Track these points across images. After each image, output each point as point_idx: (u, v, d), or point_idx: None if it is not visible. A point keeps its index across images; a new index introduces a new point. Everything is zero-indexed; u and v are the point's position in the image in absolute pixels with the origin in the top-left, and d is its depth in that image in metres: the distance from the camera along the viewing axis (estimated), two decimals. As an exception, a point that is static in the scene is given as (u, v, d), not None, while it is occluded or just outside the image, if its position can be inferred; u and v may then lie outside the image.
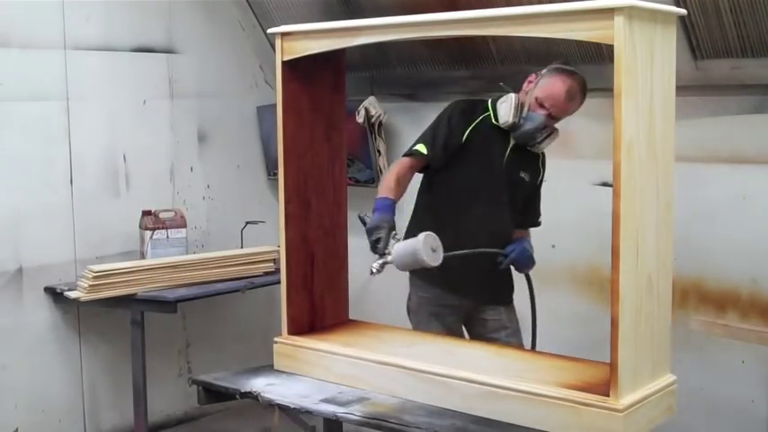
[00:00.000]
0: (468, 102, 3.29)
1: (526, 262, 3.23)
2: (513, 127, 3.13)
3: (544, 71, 3.12)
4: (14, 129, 3.94)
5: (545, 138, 3.16)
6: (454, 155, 3.15)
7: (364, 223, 2.91)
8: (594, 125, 3.77)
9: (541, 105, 3.09)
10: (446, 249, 2.83)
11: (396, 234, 2.89)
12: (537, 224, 3.40)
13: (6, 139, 3.91)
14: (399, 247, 2.80)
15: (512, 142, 3.20)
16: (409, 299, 3.37)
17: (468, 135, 3.16)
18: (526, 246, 3.23)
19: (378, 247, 2.84)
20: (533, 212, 3.38)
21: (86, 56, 4.18)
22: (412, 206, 3.37)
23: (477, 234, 3.16)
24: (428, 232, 2.79)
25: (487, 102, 3.24)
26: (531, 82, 3.15)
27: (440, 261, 2.78)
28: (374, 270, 2.82)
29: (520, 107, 3.11)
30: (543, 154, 3.31)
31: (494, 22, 2.26)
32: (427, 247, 2.74)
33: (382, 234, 2.85)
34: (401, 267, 2.85)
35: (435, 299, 3.28)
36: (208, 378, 2.80)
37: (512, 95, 3.14)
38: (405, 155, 3.19)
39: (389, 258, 2.81)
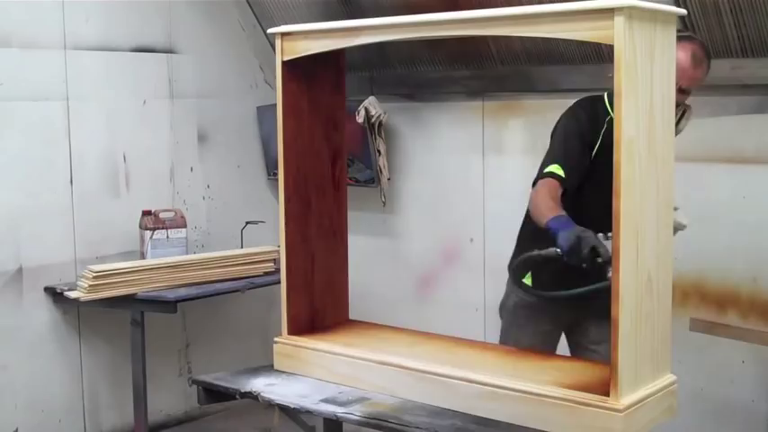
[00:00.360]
0: (588, 103, 2.93)
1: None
2: None
3: None
4: (14, 129, 3.94)
5: (680, 117, 2.80)
6: (589, 170, 2.83)
7: (548, 258, 2.52)
8: (594, 125, 3.78)
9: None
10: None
11: (605, 234, 2.45)
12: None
13: (6, 139, 3.91)
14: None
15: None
16: (507, 297, 3.18)
17: (597, 150, 2.82)
18: None
19: (601, 252, 2.39)
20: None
21: (86, 56, 4.18)
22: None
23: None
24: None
25: (604, 98, 2.87)
26: None
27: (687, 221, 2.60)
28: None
29: None
30: None
31: (494, 22, 2.25)
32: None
33: (591, 239, 2.41)
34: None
35: (537, 305, 3.06)
36: (208, 378, 2.80)
37: None
38: (543, 177, 2.80)
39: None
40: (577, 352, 3.11)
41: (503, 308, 3.23)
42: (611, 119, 2.68)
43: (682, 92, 2.74)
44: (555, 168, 2.80)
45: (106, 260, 4.09)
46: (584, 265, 2.42)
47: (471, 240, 4.37)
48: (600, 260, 2.38)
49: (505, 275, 3.18)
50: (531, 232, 2.88)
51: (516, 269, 3.04)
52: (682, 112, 2.82)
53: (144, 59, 4.42)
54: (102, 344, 4.25)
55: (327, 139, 2.89)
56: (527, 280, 3.10)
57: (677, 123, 2.76)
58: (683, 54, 2.68)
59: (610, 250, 2.26)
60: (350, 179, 3.92)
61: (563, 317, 3.11)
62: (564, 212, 2.60)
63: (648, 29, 2.10)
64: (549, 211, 2.63)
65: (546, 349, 3.06)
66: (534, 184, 2.85)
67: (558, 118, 3.00)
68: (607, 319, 2.85)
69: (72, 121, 4.13)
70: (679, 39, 2.68)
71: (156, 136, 4.49)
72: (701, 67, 2.79)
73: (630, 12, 2.01)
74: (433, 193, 4.52)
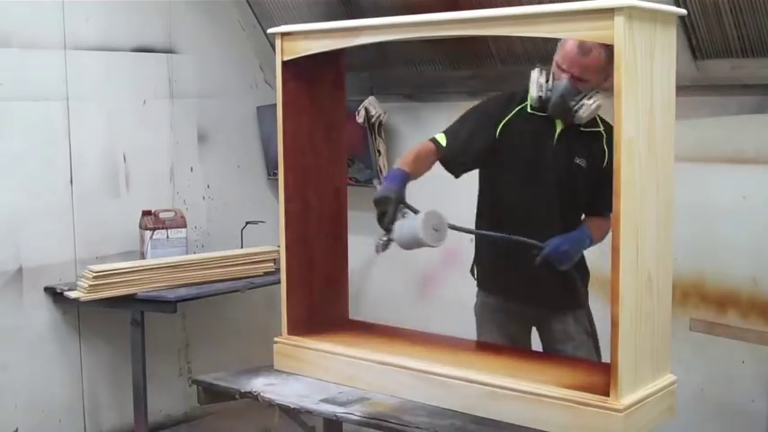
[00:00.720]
0: (504, 93, 3.05)
1: (560, 257, 2.80)
2: (545, 103, 2.85)
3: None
4: (14, 129, 3.94)
5: (580, 104, 2.82)
6: (493, 152, 2.93)
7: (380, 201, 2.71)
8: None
9: (561, 70, 2.82)
10: (495, 253, 2.67)
11: (404, 209, 2.67)
12: (603, 213, 2.84)
13: (6, 139, 3.91)
14: (400, 225, 2.61)
15: (558, 128, 2.91)
16: (475, 302, 3.18)
17: (501, 130, 2.92)
18: (569, 238, 2.83)
19: (383, 221, 2.64)
20: (599, 199, 2.86)
21: (86, 56, 4.18)
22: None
23: (522, 234, 2.85)
24: (432, 210, 2.60)
25: (527, 91, 2.94)
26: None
27: (442, 242, 2.60)
28: (379, 247, 2.66)
29: (545, 82, 2.85)
30: (609, 133, 2.85)
31: (494, 22, 2.26)
32: (428, 227, 2.55)
33: (389, 208, 2.64)
34: (403, 246, 2.64)
35: (497, 305, 3.09)
36: (208, 378, 2.80)
37: (533, 71, 2.88)
38: (430, 139, 2.98)
39: (392, 236, 2.62)
40: (547, 352, 3.08)
41: (475, 313, 3.20)
42: (524, 107, 2.92)
43: (577, 80, 2.80)
44: (438, 137, 2.95)
45: (106, 260, 4.09)
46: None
47: (471, 240, 4.37)
48: (385, 227, 2.63)
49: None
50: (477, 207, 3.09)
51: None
52: (582, 97, 2.82)
53: (144, 59, 4.41)
54: (102, 344, 4.25)
55: (327, 139, 2.89)
56: (474, 273, 3.16)
57: (577, 111, 2.83)
58: (570, 43, 2.77)
59: (396, 227, 2.59)
60: (350, 179, 3.92)
61: (526, 315, 3.09)
62: (407, 170, 2.77)
63: (648, 29, 2.11)
64: (400, 163, 2.83)
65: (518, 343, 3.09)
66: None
67: None
68: (570, 313, 3.03)
69: (72, 121, 4.13)
70: None
71: (156, 136, 4.49)
72: (590, 55, 2.76)
73: (630, 12, 2.01)
74: (433, 193, 4.51)
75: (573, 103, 2.82)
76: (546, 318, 3.06)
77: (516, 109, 2.95)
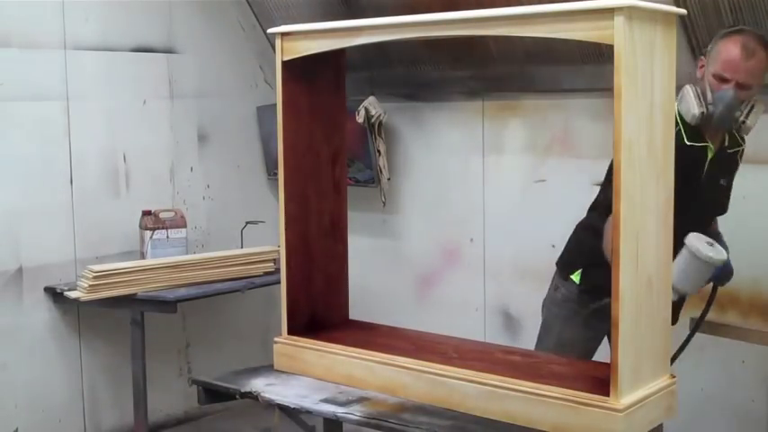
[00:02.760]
0: None
1: (728, 274, 2.86)
2: (706, 119, 2.70)
3: (709, 45, 2.75)
4: (14, 129, 3.94)
5: (748, 112, 2.71)
6: None
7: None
8: (594, 125, 3.78)
9: (723, 80, 2.69)
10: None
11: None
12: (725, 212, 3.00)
13: (6, 139, 3.91)
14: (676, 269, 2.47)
15: (709, 155, 2.80)
16: (555, 290, 3.15)
17: None
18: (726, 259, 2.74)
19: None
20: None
21: (86, 56, 4.18)
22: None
23: None
24: (694, 233, 2.55)
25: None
26: (702, 66, 2.78)
27: (725, 254, 2.55)
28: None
29: (702, 95, 2.71)
30: (742, 148, 2.92)
31: (494, 22, 2.25)
32: (702, 243, 2.49)
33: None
34: (692, 288, 2.60)
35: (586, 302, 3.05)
36: (208, 378, 2.80)
37: (686, 87, 2.72)
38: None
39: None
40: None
41: (549, 300, 3.14)
42: (679, 134, 2.66)
43: (741, 87, 2.70)
44: None
45: (106, 260, 4.09)
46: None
47: (471, 240, 4.37)
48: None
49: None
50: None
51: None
52: (750, 107, 2.73)
53: (144, 59, 4.42)
54: (102, 344, 4.25)
55: (327, 139, 2.88)
56: (575, 277, 3.06)
57: (746, 120, 2.73)
58: (733, 48, 2.67)
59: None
60: (350, 179, 3.92)
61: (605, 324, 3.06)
62: None
63: (648, 29, 2.10)
64: None
65: (588, 348, 3.03)
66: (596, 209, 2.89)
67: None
68: None
69: (72, 120, 4.13)
70: (727, 34, 2.70)
71: (156, 136, 4.49)
72: (756, 57, 2.68)
73: (630, 12, 2.01)
74: (433, 194, 4.52)
75: (739, 112, 2.70)
76: None
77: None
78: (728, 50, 2.69)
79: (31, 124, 4.00)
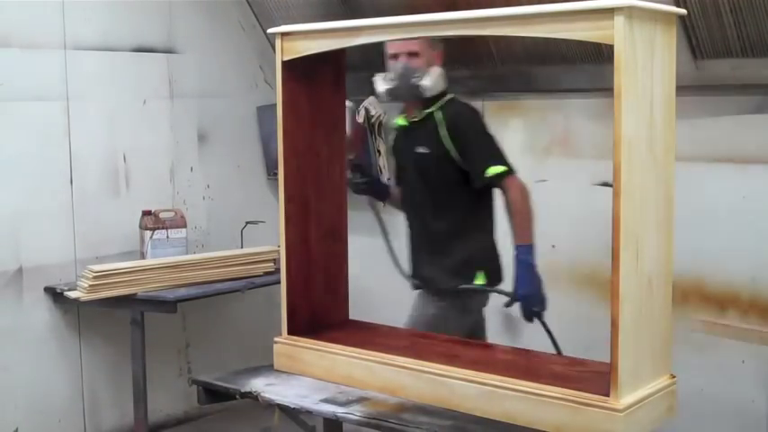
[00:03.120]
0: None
1: (529, 302, 2.97)
2: (393, 92, 3.17)
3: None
4: (14, 129, 3.94)
5: (421, 76, 3.12)
6: None
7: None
8: (594, 125, 3.78)
9: (393, 57, 3.18)
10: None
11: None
12: (483, 179, 3.16)
13: (6, 139, 3.91)
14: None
15: (402, 123, 3.31)
16: (424, 309, 3.42)
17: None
18: (521, 281, 2.94)
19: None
20: (473, 174, 3.18)
21: (86, 56, 4.18)
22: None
23: (418, 241, 3.34)
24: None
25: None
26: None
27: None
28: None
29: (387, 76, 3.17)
30: (447, 117, 3.20)
31: (494, 22, 2.25)
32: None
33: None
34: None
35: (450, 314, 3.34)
36: (208, 378, 2.80)
37: (375, 76, 3.22)
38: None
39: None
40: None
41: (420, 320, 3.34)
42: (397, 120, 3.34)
43: (409, 56, 3.14)
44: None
45: (106, 260, 4.09)
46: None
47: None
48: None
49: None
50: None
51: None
52: (422, 72, 3.14)
53: (144, 59, 4.42)
54: (102, 344, 4.25)
55: (327, 140, 2.89)
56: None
57: (420, 84, 3.11)
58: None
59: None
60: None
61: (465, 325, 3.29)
62: None
63: (648, 29, 2.10)
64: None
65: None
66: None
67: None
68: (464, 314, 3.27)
69: (72, 121, 4.13)
70: None
71: (156, 136, 4.49)
72: None
73: (630, 12, 2.01)
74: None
75: (414, 77, 3.12)
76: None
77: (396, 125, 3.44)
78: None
79: (31, 124, 4.00)
